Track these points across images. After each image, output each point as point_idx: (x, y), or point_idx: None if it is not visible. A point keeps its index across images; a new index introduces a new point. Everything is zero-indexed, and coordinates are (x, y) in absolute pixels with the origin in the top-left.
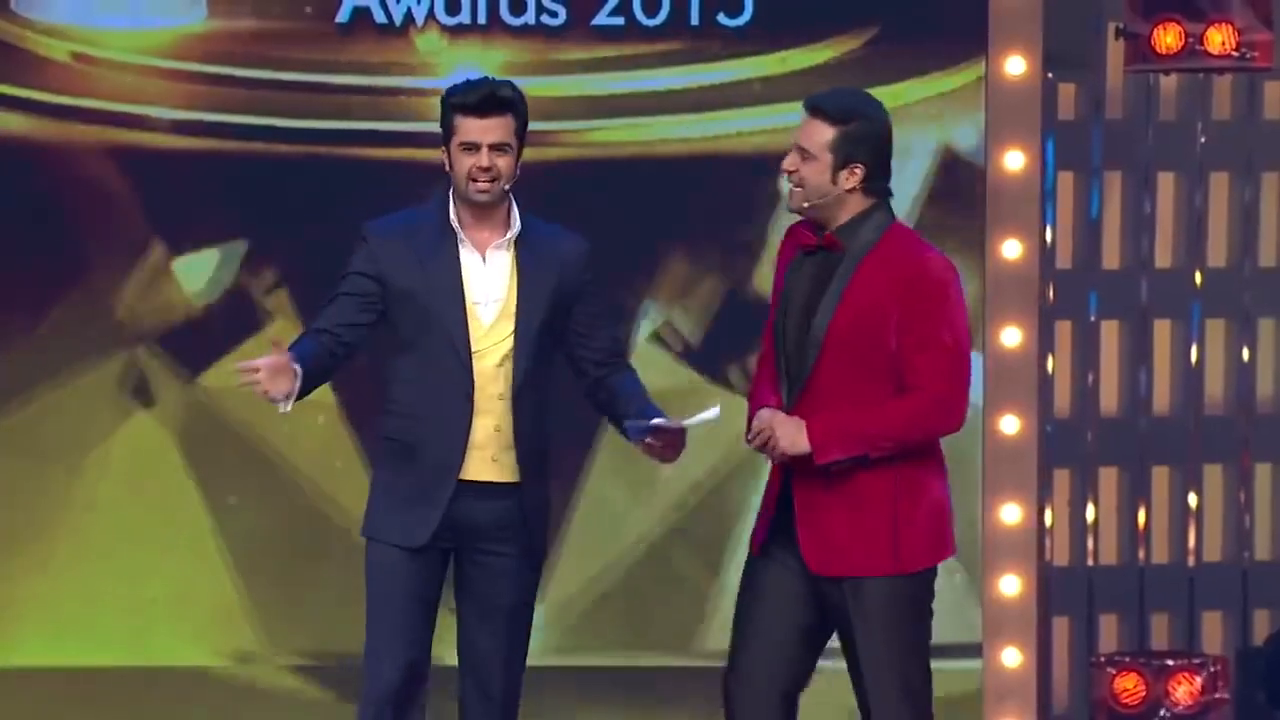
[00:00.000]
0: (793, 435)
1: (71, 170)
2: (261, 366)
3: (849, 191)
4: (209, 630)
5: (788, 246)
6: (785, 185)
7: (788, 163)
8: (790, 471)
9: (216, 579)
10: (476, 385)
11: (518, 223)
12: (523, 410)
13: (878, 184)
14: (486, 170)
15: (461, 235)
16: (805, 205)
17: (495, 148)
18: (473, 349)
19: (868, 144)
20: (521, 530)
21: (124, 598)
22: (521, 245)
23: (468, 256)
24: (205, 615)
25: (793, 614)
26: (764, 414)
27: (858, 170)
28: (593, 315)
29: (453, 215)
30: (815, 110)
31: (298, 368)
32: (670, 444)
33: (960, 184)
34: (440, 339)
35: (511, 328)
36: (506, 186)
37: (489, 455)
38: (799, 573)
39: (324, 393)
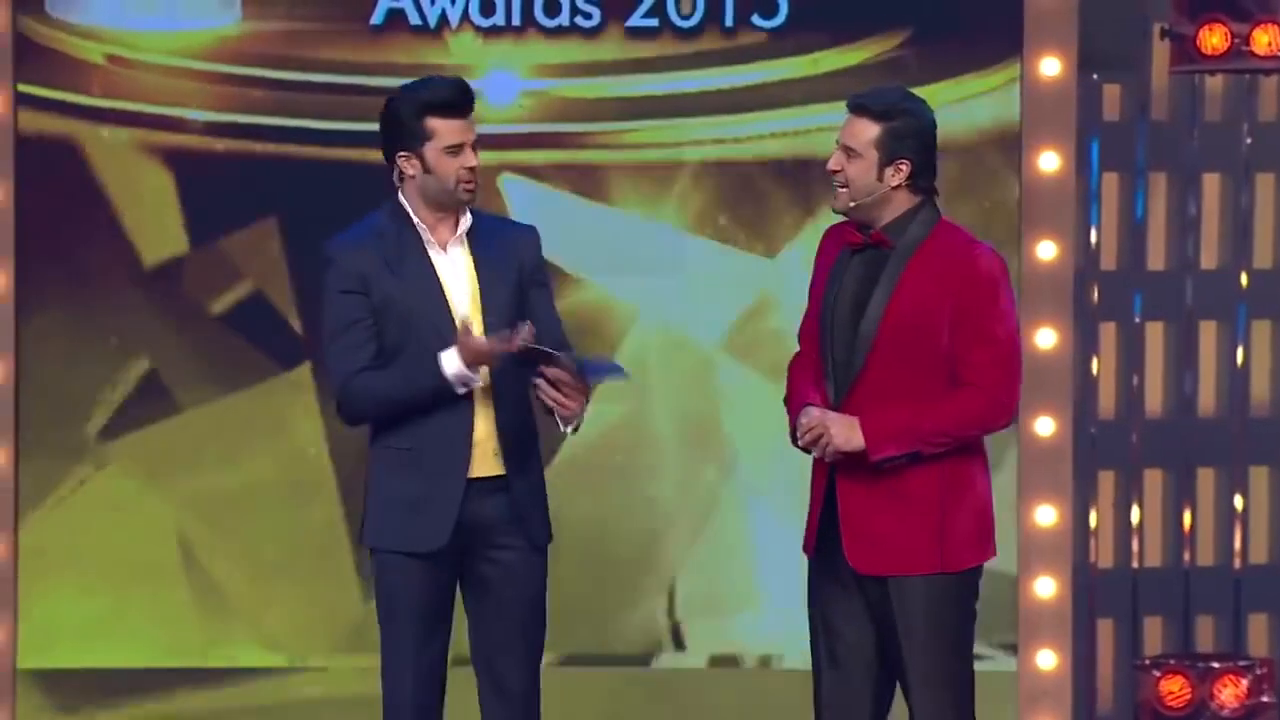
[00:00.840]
0: (847, 432)
1: (105, 172)
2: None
3: (895, 189)
4: (238, 630)
5: (829, 247)
6: (827, 186)
7: (833, 163)
8: (835, 471)
9: (246, 579)
10: None
11: (469, 216)
12: (505, 401)
13: (924, 180)
14: (473, 170)
15: (428, 236)
16: (851, 205)
17: (474, 145)
18: None
19: (913, 139)
20: (523, 520)
21: (153, 599)
22: (473, 238)
23: (436, 256)
24: (234, 615)
25: (865, 636)
26: (814, 412)
27: (904, 166)
28: (537, 305)
29: (414, 217)
30: (859, 108)
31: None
32: (569, 388)
33: (994, 186)
34: (429, 339)
35: (481, 320)
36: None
37: (490, 450)
38: (854, 583)
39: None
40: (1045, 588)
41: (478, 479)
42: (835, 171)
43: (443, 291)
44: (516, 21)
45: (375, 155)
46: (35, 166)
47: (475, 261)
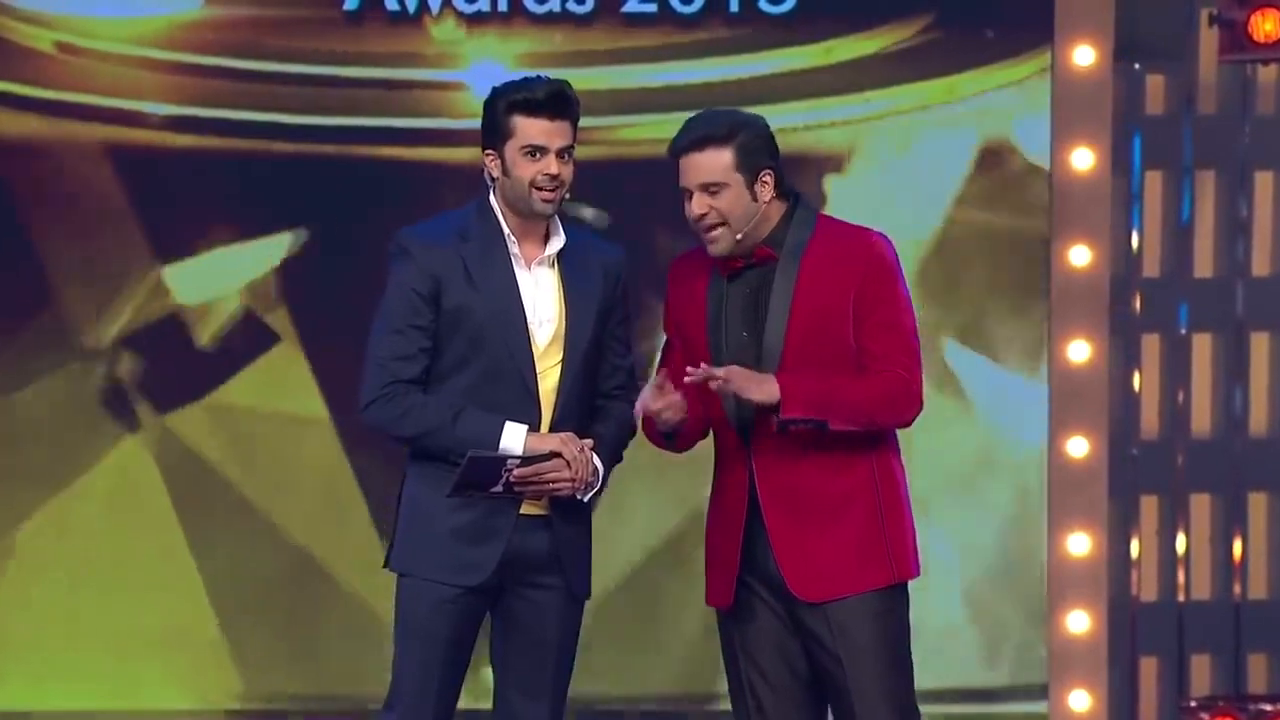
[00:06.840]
0: (759, 381)
1: (56, 169)
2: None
3: (769, 202)
4: (196, 672)
5: (683, 277)
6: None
7: (696, 208)
8: (754, 505)
9: (204, 617)
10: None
11: (563, 235)
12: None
13: (785, 183)
14: (554, 178)
15: (514, 249)
16: (738, 239)
17: (562, 153)
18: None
19: (765, 147)
20: (562, 564)
21: (109, 636)
22: (563, 260)
23: (520, 272)
24: (193, 656)
25: (797, 674)
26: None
27: (768, 177)
28: (613, 336)
29: (503, 224)
30: (700, 143)
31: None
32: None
33: (1023, 186)
34: (501, 362)
35: (561, 350)
36: (567, 196)
37: None
38: (781, 618)
39: (320, 410)
40: (1078, 622)
41: (524, 515)
42: (703, 215)
43: (524, 314)
44: (503, 7)
45: (349, 151)
46: None
47: (565, 290)
